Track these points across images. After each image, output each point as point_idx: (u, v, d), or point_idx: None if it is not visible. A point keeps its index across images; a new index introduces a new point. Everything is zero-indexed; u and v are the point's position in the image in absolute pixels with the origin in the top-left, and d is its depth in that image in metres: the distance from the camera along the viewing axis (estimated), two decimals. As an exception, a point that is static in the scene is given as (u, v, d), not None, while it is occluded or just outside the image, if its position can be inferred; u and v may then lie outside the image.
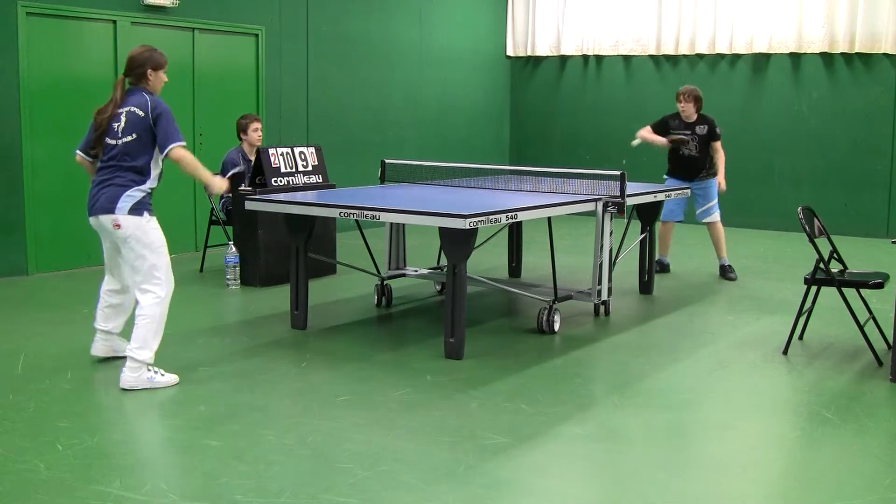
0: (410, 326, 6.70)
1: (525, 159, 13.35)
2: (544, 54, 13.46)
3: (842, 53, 11.30)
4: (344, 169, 10.29)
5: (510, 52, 13.71)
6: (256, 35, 9.88)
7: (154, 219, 5.05)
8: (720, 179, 8.41)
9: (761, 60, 11.84)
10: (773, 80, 11.79)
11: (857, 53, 11.19)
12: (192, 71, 9.26)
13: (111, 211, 4.93)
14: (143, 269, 4.95)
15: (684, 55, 12.35)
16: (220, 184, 5.27)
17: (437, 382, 5.13)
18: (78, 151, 5.17)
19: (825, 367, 5.53)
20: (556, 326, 6.27)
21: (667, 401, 4.98)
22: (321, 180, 8.18)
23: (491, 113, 13.58)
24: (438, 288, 7.56)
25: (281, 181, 7.75)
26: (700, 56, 12.26)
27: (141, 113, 4.93)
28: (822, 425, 4.54)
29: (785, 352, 5.80)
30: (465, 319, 5.57)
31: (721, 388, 5.22)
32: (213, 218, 8.44)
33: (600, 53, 12.98)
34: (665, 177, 8.62)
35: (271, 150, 7.82)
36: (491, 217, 5.39)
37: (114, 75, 8.54)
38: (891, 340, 5.45)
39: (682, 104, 8.49)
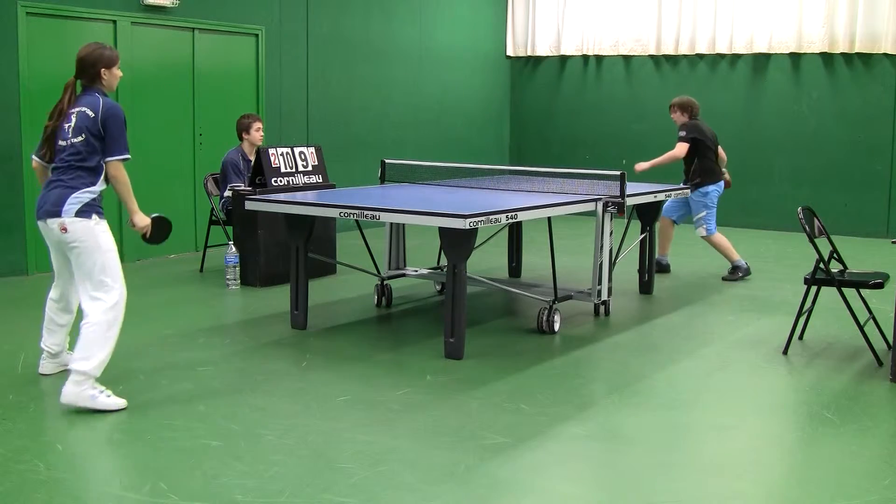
0: (410, 326, 6.70)
1: (525, 159, 13.36)
2: (544, 54, 13.46)
3: (842, 53, 11.30)
4: (344, 169, 10.30)
5: (510, 52, 13.71)
6: (256, 35, 9.88)
7: (104, 222, 4.74)
8: (638, 165, 8.41)
9: (761, 60, 11.85)
10: (773, 80, 11.80)
11: (857, 53, 11.20)
12: (192, 71, 9.26)
13: (57, 214, 4.62)
14: (92, 275, 4.61)
15: (684, 55, 12.36)
16: (142, 222, 4.89)
17: (437, 382, 5.13)
18: (33, 157, 4.91)
19: (825, 367, 5.53)
20: (556, 326, 6.27)
21: (667, 401, 4.98)
22: (321, 180, 8.18)
23: (491, 113, 13.58)
24: (438, 288, 7.56)
25: (281, 181, 7.75)
26: (700, 56, 12.26)
27: (91, 113, 4.65)
28: (822, 425, 4.54)
29: (785, 352, 5.80)
30: (465, 319, 5.57)
31: (721, 388, 5.22)
32: (213, 218, 8.44)
33: (600, 53, 12.98)
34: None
35: (271, 150, 7.82)
36: (491, 217, 5.39)
37: (114, 75, 8.56)
38: (891, 340, 5.45)
39: (672, 115, 8.71)
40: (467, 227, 5.19)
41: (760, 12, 11.71)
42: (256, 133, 8.10)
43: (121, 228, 8.72)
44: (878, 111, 11.11)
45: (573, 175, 7.48)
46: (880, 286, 5.61)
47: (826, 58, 11.42)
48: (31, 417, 4.47)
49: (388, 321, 6.79)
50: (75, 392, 4.49)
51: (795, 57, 11.61)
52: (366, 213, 5.64)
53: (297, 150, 8.06)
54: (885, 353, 5.59)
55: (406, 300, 7.34)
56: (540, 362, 5.59)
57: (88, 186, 4.71)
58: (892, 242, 6.04)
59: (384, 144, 11.44)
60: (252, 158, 7.99)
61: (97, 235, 4.68)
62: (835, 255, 5.76)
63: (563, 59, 13.36)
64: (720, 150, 8.62)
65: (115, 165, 4.71)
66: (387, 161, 7.55)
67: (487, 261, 8.63)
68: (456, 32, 12.76)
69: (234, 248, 7.67)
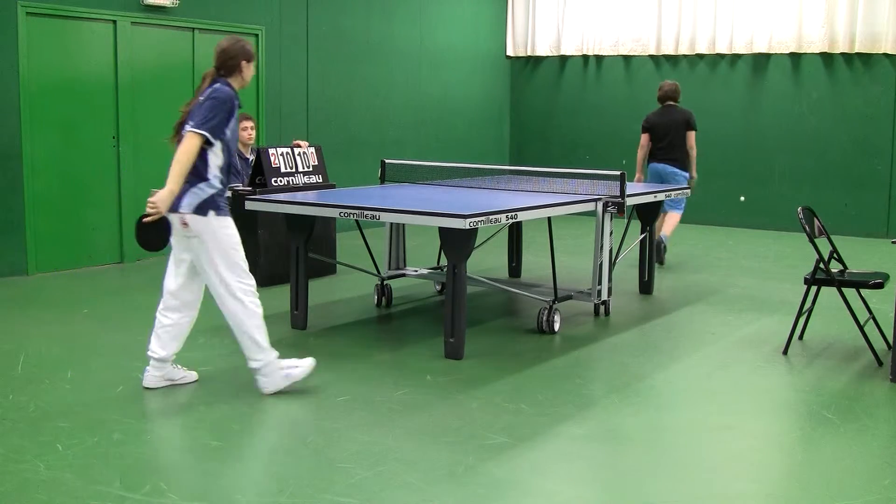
0: (410, 326, 6.70)
1: (525, 159, 13.36)
2: (544, 54, 13.46)
3: (842, 53, 11.30)
4: (344, 169, 10.30)
5: (510, 52, 13.71)
6: (256, 35, 9.88)
7: (226, 218, 4.66)
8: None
9: (761, 60, 11.85)
10: (773, 80, 11.80)
11: (857, 53, 11.19)
12: (192, 71, 9.25)
13: (176, 208, 4.61)
14: (221, 273, 4.62)
15: (684, 55, 12.36)
16: (160, 200, 4.62)
17: (437, 382, 5.13)
18: (170, 144, 4.85)
19: (825, 367, 5.53)
20: (556, 326, 6.27)
21: (667, 401, 4.98)
22: (321, 180, 8.18)
23: (491, 113, 13.58)
24: (438, 288, 7.56)
25: (281, 181, 7.75)
26: (700, 56, 12.26)
27: (201, 99, 4.61)
28: (822, 425, 4.54)
29: (785, 352, 5.80)
30: (465, 319, 5.57)
31: (721, 388, 5.22)
32: (213, 218, 8.42)
33: (600, 53, 12.98)
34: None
35: (271, 150, 7.83)
36: (491, 217, 5.39)
37: (114, 75, 8.57)
38: (891, 340, 5.45)
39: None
40: (467, 227, 5.19)
41: (760, 12, 11.71)
42: (244, 133, 8.06)
43: (121, 229, 8.73)
44: (878, 111, 11.11)
45: (573, 175, 7.48)
46: (880, 286, 5.61)
47: (826, 58, 11.42)
48: (31, 417, 4.47)
49: (388, 321, 6.79)
50: (271, 382, 4.75)
51: (795, 57, 11.61)
52: (366, 213, 5.64)
53: (297, 150, 8.06)
54: (885, 353, 5.59)
55: (406, 300, 7.34)
56: (540, 362, 5.59)
57: (203, 181, 4.62)
58: (893, 242, 6.04)
59: (384, 144, 11.43)
60: (248, 156, 7.99)
61: (216, 231, 4.62)
62: (835, 255, 5.76)
63: (563, 59, 13.36)
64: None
65: (188, 136, 4.51)
66: (387, 161, 7.55)
67: (487, 261, 8.63)
68: (456, 32, 12.76)
69: (234, 248, 7.65)
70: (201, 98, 4.64)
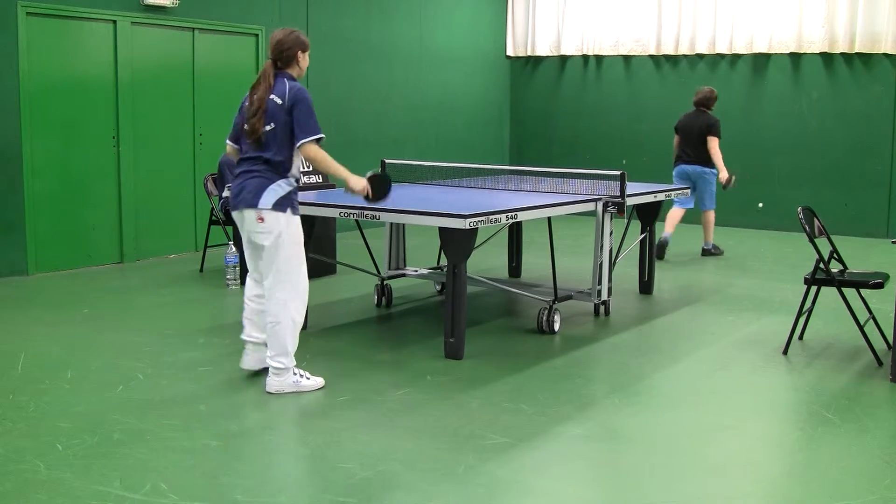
0: (410, 326, 6.70)
1: (525, 159, 13.36)
2: (544, 54, 13.46)
3: (842, 53, 11.30)
4: (344, 169, 10.28)
5: (510, 52, 13.71)
6: (256, 35, 9.88)
7: (297, 217, 4.82)
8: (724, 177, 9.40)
9: (761, 60, 11.85)
10: (773, 80, 11.80)
11: (857, 53, 11.19)
12: (192, 71, 9.26)
13: (254, 204, 4.71)
14: (279, 268, 4.76)
15: (684, 55, 12.36)
16: (358, 185, 4.86)
17: (437, 382, 5.13)
18: (228, 141, 5.00)
19: (825, 367, 5.53)
20: (556, 326, 6.27)
21: (667, 401, 4.98)
22: (321, 180, 8.18)
23: (491, 113, 13.58)
24: (438, 288, 7.56)
25: (281, 181, 7.73)
26: (700, 56, 12.26)
27: (279, 101, 4.71)
28: (822, 425, 4.54)
29: (785, 352, 5.80)
30: (465, 319, 5.57)
31: (721, 388, 5.22)
32: (213, 218, 8.45)
33: (600, 53, 12.98)
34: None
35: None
36: (491, 217, 5.39)
37: (114, 75, 8.57)
38: (891, 340, 5.45)
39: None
40: (467, 227, 5.19)
41: (760, 12, 11.71)
42: None
43: (121, 229, 8.74)
44: (878, 111, 11.11)
45: (573, 175, 7.48)
46: (880, 286, 5.61)
47: (826, 58, 11.42)
48: (31, 417, 4.47)
49: (388, 321, 6.79)
50: (279, 382, 4.83)
51: (795, 57, 11.61)
52: (366, 213, 5.64)
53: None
54: (885, 353, 5.59)
55: (406, 300, 7.34)
56: (540, 362, 5.59)
57: (282, 178, 4.75)
58: (893, 242, 6.04)
59: (384, 144, 11.43)
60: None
61: (289, 227, 4.76)
62: (835, 255, 5.76)
63: (563, 59, 13.36)
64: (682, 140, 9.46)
65: (307, 148, 4.70)
66: (387, 161, 7.55)
67: (487, 261, 8.63)
68: (456, 32, 12.76)
69: (234, 248, 7.68)
70: (279, 101, 4.73)
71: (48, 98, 8.13)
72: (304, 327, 6.20)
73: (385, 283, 7.08)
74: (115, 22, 8.52)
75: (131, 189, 8.78)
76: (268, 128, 4.73)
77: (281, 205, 4.73)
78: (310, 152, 4.72)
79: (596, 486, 3.92)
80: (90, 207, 8.53)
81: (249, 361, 5.14)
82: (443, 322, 5.63)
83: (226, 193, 8.01)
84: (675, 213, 9.44)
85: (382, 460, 3.97)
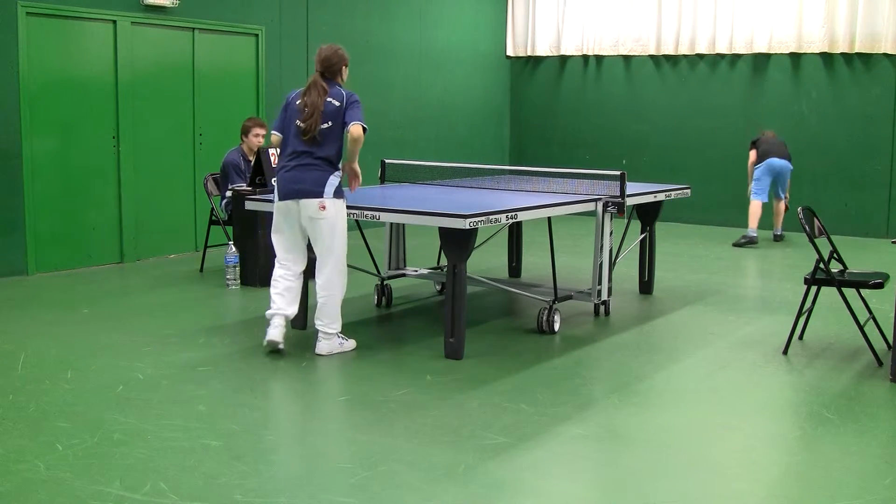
0: (410, 326, 6.70)
1: (525, 159, 13.36)
2: (544, 54, 13.46)
3: (842, 53, 11.30)
4: (344, 169, 10.29)
5: (510, 52, 13.71)
6: (256, 35, 9.88)
7: (344, 202, 5.52)
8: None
9: (761, 60, 11.85)
10: (773, 80, 11.80)
11: (857, 53, 11.19)
12: (192, 71, 9.26)
13: (318, 195, 5.36)
14: (333, 249, 5.42)
15: (684, 55, 12.36)
16: (356, 177, 5.64)
17: (437, 382, 5.13)
18: (275, 132, 5.63)
19: (825, 367, 5.53)
20: (556, 326, 6.27)
21: (667, 401, 4.98)
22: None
23: (491, 113, 13.58)
24: (438, 288, 7.56)
25: (281, 181, 7.73)
26: (700, 56, 12.26)
27: (337, 103, 5.44)
28: (822, 425, 4.54)
29: (785, 352, 5.80)
30: (465, 319, 5.57)
31: (721, 388, 5.22)
32: (213, 218, 8.44)
33: (600, 53, 12.98)
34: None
35: (271, 150, 7.80)
36: (491, 217, 5.39)
37: (114, 75, 8.57)
38: (891, 340, 5.45)
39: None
40: (467, 227, 5.19)
41: (760, 12, 11.71)
42: (255, 139, 8.08)
43: (121, 229, 8.73)
44: (878, 111, 11.11)
45: (573, 175, 7.47)
46: (880, 286, 5.61)
47: (826, 58, 11.42)
48: (31, 417, 4.47)
49: (388, 321, 6.79)
50: (328, 345, 5.56)
51: (795, 57, 11.61)
52: (366, 213, 5.64)
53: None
54: (885, 353, 5.59)
55: (406, 300, 7.34)
56: (540, 362, 5.59)
57: (337, 171, 5.49)
58: (893, 242, 6.04)
59: (384, 144, 11.43)
60: (252, 159, 7.98)
61: (341, 212, 5.49)
62: (835, 255, 5.76)
63: (563, 59, 13.36)
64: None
65: (355, 128, 5.42)
66: (387, 161, 7.55)
67: (487, 261, 8.63)
68: (456, 32, 12.76)
69: (234, 248, 7.68)
70: (336, 103, 5.46)
71: (48, 98, 8.13)
72: (304, 327, 6.22)
73: (385, 283, 7.08)
74: (115, 22, 8.52)
75: (131, 189, 8.78)
76: (325, 126, 5.45)
77: (338, 193, 5.47)
78: (356, 132, 5.42)
79: (596, 486, 3.92)
80: (90, 207, 8.53)
81: (278, 334, 5.57)
82: (443, 322, 5.63)
83: (229, 193, 8.01)
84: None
85: (382, 460, 3.97)
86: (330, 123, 5.43)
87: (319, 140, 5.43)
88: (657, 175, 11.17)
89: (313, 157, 5.43)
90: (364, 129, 5.46)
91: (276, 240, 5.63)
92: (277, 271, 5.62)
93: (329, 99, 5.44)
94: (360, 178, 5.68)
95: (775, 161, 10.44)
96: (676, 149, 12.45)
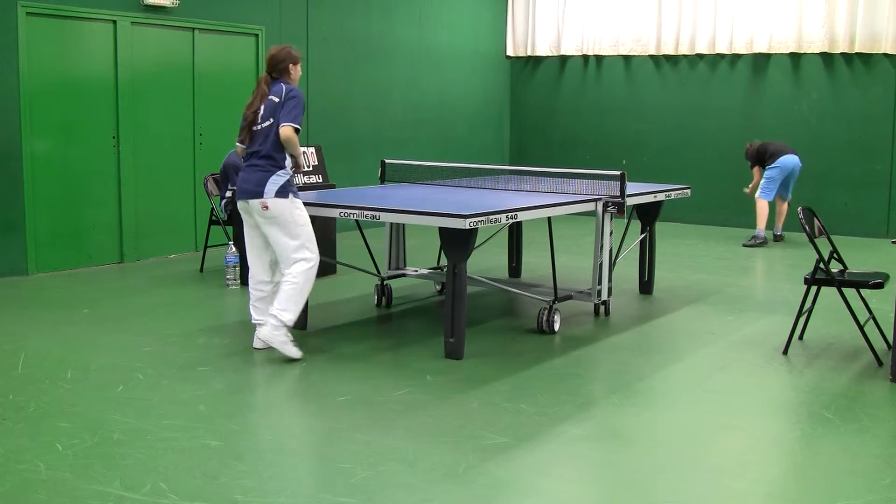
0: (410, 326, 6.70)
1: (525, 159, 13.36)
2: (544, 54, 13.46)
3: (842, 53, 11.30)
4: (344, 169, 10.30)
5: (510, 52, 13.71)
6: (256, 35, 9.88)
7: (299, 200, 5.43)
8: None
9: (761, 60, 11.85)
10: (773, 80, 11.80)
11: (857, 53, 11.19)
12: (192, 71, 9.26)
13: (259, 195, 5.31)
14: (293, 244, 5.37)
15: (684, 55, 12.36)
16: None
17: (437, 382, 5.13)
18: (237, 143, 5.57)
19: (825, 367, 5.53)
20: (556, 326, 6.27)
21: (667, 401, 4.98)
22: (321, 180, 8.18)
23: (491, 113, 13.58)
24: (438, 288, 7.56)
25: (281, 181, 7.73)
26: (700, 56, 12.27)
27: (276, 99, 5.34)
28: (822, 425, 4.54)
29: (785, 352, 5.80)
30: (465, 319, 5.57)
31: (721, 388, 5.22)
32: (213, 218, 8.45)
33: (600, 53, 12.98)
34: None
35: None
36: (491, 217, 5.39)
37: (114, 75, 8.57)
38: (891, 340, 5.45)
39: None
40: (467, 227, 5.19)
41: (760, 12, 11.71)
42: None
43: (121, 229, 8.74)
44: (878, 111, 11.11)
45: (573, 175, 7.47)
46: (880, 286, 5.61)
47: (826, 58, 11.43)
48: (31, 417, 4.47)
49: (388, 321, 6.79)
50: (272, 333, 5.39)
51: (795, 57, 11.61)
52: (366, 213, 5.64)
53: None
54: (885, 353, 5.59)
55: (406, 300, 7.34)
56: (540, 362, 5.59)
57: (281, 169, 5.36)
58: (893, 242, 6.04)
59: (384, 144, 11.43)
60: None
61: (293, 211, 5.38)
62: (835, 255, 5.76)
63: (563, 59, 13.36)
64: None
65: (287, 129, 5.28)
66: (387, 161, 7.55)
67: (487, 261, 8.63)
68: (456, 32, 12.76)
69: (234, 248, 7.68)
70: (276, 98, 5.34)
71: (48, 98, 8.13)
72: (304, 327, 6.22)
73: (385, 283, 7.08)
74: (115, 22, 8.52)
75: (131, 189, 8.78)
76: (266, 124, 5.36)
77: (283, 192, 5.35)
78: (287, 132, 5.28)
79: (596, 486, 3.92)
80: (90, 207, 8.53)
81: (260, 342, 5.63)
82: (443, 322, 5.63)
83: (228, 194, 8.01)
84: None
85: (382, 460, 3.97)
86: (271, 121, 5.36)
87: (262, 139, 5.37)
88: (657, 175, 11.17)
89: (258, 157, 5.39)
90: (296, 129, 5.31)
91: (246, 244, 5.68)
92: (251, 279, 5.68)
93: (270, 96, 5.39)
94: (304, 167, 5.62)
95: (789, 159, 10.38)
96: (676, 149, 12.46)
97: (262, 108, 5.37)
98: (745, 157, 10.77)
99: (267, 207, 5.34)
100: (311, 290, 5.52)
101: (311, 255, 5.46)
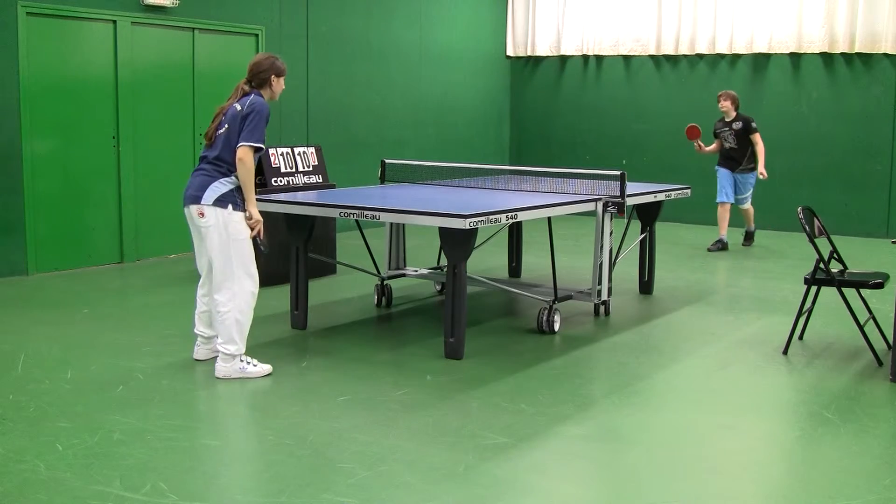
0: (410, 326, 6.70)
1: (525, 159, 13.36)
2: (544, 54, 13.46)
3: (842, 53, 11.30)
4: (344, 169, 10.29)
5: (510, 52, 13.71)
6: (256, 35, 9.88)
7: (239, 213, 5.03)
8: (761, 169, 9.80)
9: (761, 60, 11.85)
10: (773, 80, 11.80)
11: (857, 53, 11.20)
12: (192, 71, 9.26)
13: (197, 200, 4.99)
14: (224, 262, 4.99)
15: (684, 55, 12.36)
16: (257, 215, 5.10)
17: (437, 382, 5.13)
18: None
19: (825, 367, 5.53)
20: (556, 326, 6.27)
21: (667, 401, 4.98)
22: (321, 180, 8.18)
23: (491, 113, 13.58)
24: (438, 288, 7.56)
25: (281, 181, 7.75)
26: (700, 56, 12.27)
27: (238, 107, 5.03)
28: (822, 425, 4.54)
29: (785, 352, 5.80)
30: (465, 319, 5.57)
31: (721, 388, 5.22)
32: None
33: (600, 53, 12.98)
34: (716, 167, 10.14)
35: (271, 150, 7.82)
36: (491, 217, 5.39)
37: (114, 75, 8.57)
38: (891, 340, 5.45)
39: (720, 103, 9.92)
40: (467, 227, 5.19)
41: (760, 12, 11.72)
42: None
43: (121, 229, 8.74)
44: (878, 111, 11.11)
45: (573, 175, 7.48)
46: (880, 286, 5.61)
47: (826, 58, 11.43)
48: (31, 417, 4.47)
49: (388, 321, 6.79)
50: (226, 368, 5.07)
51: (795, 57, 11.61)
52: (366, 213, 5.64)
53: (296, 150, 8.06)
54: (885, 353, 5.59)
55: (406, 300, 7.34)
56: (540, 362, 5.59)
57: (225, 177, 5.01)
58: (893, 242, 6.04)
59: (384, 144, 11.43)
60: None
61: (228, 225, 4.99)
62: (835, 255, 5.76)
63: (563, 59, 13.36)
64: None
65: (244, 150, 4.93)
66: (387, 161, 7.55)
67: (487, 261, 8.63)
68: (456, 32, 12.76)
69: (234, 248, 7.65)
70: (238, 107, 5.03)
71: (48, 98, 8.13)
72: (304, 327, 6.22)
73: (385, 283, 7.08)
74: (115, 22, 8.52)
75: (131, 189, 8.78)
76: (221, 130, 5.05)
77: (222, 201, 4.99)
78: (243, 154, 4.94)
79: (596, 485, 3.92)
80: (90, 207, 8.53)
81: (200, 353, 5.45)
82: (443, 322, 5.63)
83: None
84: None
85: (382, 460, 3.98)
86: (227, 126, 5.01)
87: (216, 144, 5.04)
88: (657, 175, 11.17)
89: (206, 162, 5.07)
90: (256, 148, 4.95)
91: (195, 251, 5.33)
92: (198, 288, 5.37)
93: (235, 104, 5.07)
94: (261, 226, 5.11)
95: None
96: (676, 149, 12.45)
97: (226, 112, 5.06)
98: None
99: (203, 215, 4.99)
100: (251, 316, 5.12)
101: (240, 281, 5.00)
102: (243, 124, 4.95)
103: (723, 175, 9.99)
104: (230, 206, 4.99)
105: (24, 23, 7.85)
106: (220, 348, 5.09)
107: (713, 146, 10.08)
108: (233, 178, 5.01)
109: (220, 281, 5.04)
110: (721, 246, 9.94)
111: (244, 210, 5.05)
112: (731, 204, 9.98)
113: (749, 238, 10.37)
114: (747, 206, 10.12)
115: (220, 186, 4.99)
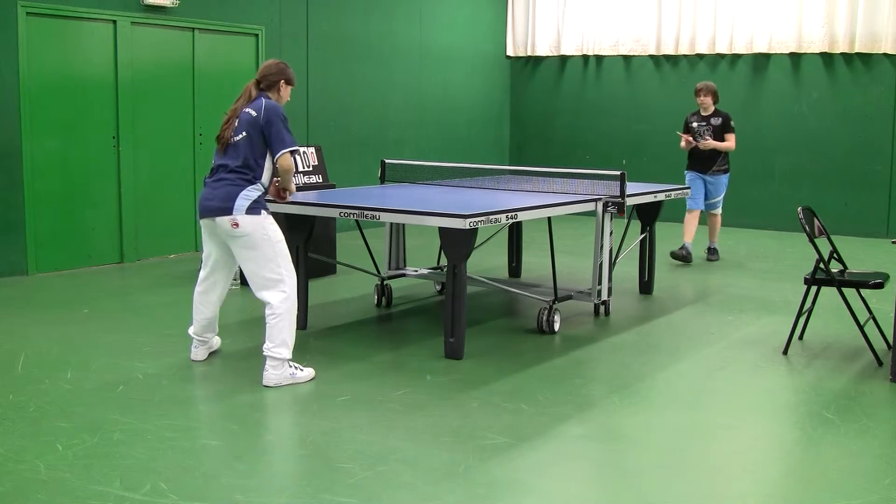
0: (410, 326, 6.70)
1: (525, 159, 13.36)
2: (544, 54, 13.46)
3: (842, 53, 11.30)
4: (344, 169, 10.29)
5: (510, 52, 13.71)
6: (256, 35, 9.88)
7: (271, 216, 5.06)
8: (711, 143, 9.04)
9: (761, 60, 11.85)
10: (773, 80, 11.80)
11: (857, 53, 11.20)
12: (192, 71, 9.26)
13: (228, 211, 4.93)
14: (268, 265, 4.97)
15: (684, 55, 12.36)
16: (293, 189, 5.36)
17: (437, 382, 5.13)
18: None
19: (825, 367, 5.53)
20: (556, 326, 6.27)
21: (667, 401, 4.98)
22: (321, 180, 8.18)
23: (491, 113, 13.58)
24: (438, 288, 7.56)
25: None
26: (700, 56, 12.26)
27: (254, 113, 5.00)
28: (822, 425, 4.54)
29: (785, 352, 5.80)
30: (465, 319, 5.57)
31: (721, 388, 5.22)
32: (213, 218, 8.43)
33: (600, 53, 12.98)
34: (685, 172, 9.37)
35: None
36: (491, 217, 5.39)
37: (114, 75, 8.57)
38: (891, 340, 5.45)
39: (700, 98, 9.17)
40: (467, 227, 5.19)
41: (760, 12, 11.72)
42: None
43: (121, 229, 8.74)
44: (878, 111, 11.11)
45: (573, 175, 7.48)
46: (880, 286, 5.61)
47: (826, 58, 11.43)
48: (31, 417, 4.47)
49: (388, 321, 6.79)
50: (276, 375, 4.97)
51: (795, 57, 11.61)
52: (366, 213, 5.64)
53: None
54: (885, 353, 5.59)
55: (406, 300, 7.34)
56: (540, 362, 5.59)
57: (252, 184, 5.00)
58: (893, 242, 6.04)
59: (384, 144, 11.43)
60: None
61: (266, 228, 4.99)
62: (835, 255, 5.76)
63: (563, 59, 13.36)
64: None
65: (285, 157, 5.01)
66: (387, 161, 7.55)
67: (487, 261, 8.63)
68: (456, 32, 12.76)
69: (234, 248, 7.65)
70: (253, 113, 5.00)
71: (48, 98, 8.13)
72: (304, 327, 6.22)
73: (385, 283, 7.08)
74: (115, 22, 8.52)
75: (131, 189, 8.78)
76: (238, 137, 5.01)
77: (255, 208, 4.98)
78: (285, 164, 5.04)
79: (596, 486, 3.92)
80: (90, 207, 8.53)
81: (198, 353, 5.47)
82: (443, 322, 5.63)
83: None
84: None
85: (382, 460, 3.98)
86: (244, 134, 4.98)
87: (233, 151, 5.00)
88: (657, 175, 11.16)
89: (226, 171, 5.00)
90: (293, 152, 5.07)
91: (203, 258, 5.36)
92: (196, 296, 5.38)
93: (247, 109, 5.03)
94: (293, 192, 5.38)
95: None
96: (676, 149, 12.42)
97: (238, 120, 5.02)
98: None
99: (237, 225, 4.93)
100: (296, 314, 5.10)
101: (287, 281, 5.01)
102: (269, 132, 4.97)
103: (693, 181, 9.12)
104: (263, 212, 5.01)
105: (24, 23, 7.85)
106: (272, 353, 4.95)
107: (683, 143, 9.21)
108: (258, 184, 5.03)
109: (266, 286, 4.99)
110: (685, 254, 9.03)
111: (270, 213, 5.11)
112: (701, 211, 9.27)
113: (713, 252, 9.45)
114: (718, 211, 9.36)
115: (250, 194, 4.97)
